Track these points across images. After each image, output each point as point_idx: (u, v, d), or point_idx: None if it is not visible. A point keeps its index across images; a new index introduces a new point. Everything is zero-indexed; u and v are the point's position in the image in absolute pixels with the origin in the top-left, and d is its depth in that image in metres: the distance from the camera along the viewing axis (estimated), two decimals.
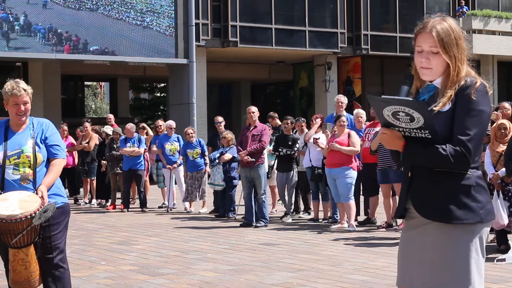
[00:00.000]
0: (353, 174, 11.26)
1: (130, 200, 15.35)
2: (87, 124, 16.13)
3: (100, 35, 22.64)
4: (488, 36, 28.99)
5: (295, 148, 12.68)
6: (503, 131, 8.96)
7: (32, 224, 4.60)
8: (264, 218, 11.90)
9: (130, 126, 15.12)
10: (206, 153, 14.27)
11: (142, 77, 31.56)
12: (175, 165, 14.74)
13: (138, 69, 28.24)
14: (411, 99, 3.20)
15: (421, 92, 3.39)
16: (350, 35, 27.51)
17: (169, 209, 14.72)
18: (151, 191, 16.99)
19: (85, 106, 43.59)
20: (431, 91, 3.35)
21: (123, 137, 14.98)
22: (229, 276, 7.47)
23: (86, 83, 39.66)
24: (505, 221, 8.38)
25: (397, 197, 10.98)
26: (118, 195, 15.39)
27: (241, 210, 13.08)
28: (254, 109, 12.46)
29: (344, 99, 12.97)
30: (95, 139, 16.07)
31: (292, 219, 12.71)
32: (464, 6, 29.34)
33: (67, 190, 14.57)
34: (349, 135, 11.31)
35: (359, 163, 11.61)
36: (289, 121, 12.97)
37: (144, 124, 16.50)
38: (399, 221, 10.96)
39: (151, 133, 15.93)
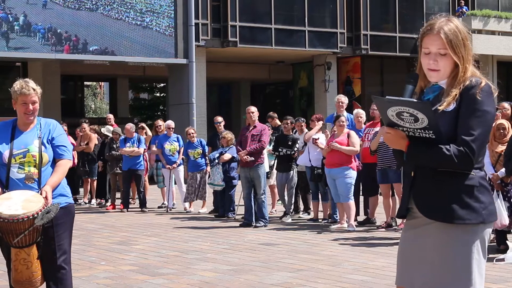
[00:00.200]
0: (352, 174, 11.26)
1: (130, 200, 15.35)
2: (85, 125, 16.09)
3: (99, 35, 22.64)
4: (487, 36, 29.00)
5: (295, 148, 12.68)
6: (502, 131, 8.95)
7: (34, 224, 4.58)
8: (264, 218, 11.90)
9: (130, 126, 15.12)
10: (207, 153, 14.27)
11: (142, 77, 31.56)
12: (174, 165, 14.74)
13: (138, 69, 28.25)
14: (415, 100, 3.19)
15: (426, 91, 3.39)
16: (350, 35, 27.51)
17: (168, 209, 14.73)
18: (151, 191, 16.99)
19: (85, 106, 43.60)
20: (436, 91, 3.35)
21: (122, 137, 14.98)
22: (228, 276, 7.47)
23: (85, 83, 39.65)
24: (507, 221, 8.38)
25: (396, 197, 10.99)
26: (118, 195, 15.39)
27: (240, 210, 13.09)
28: (253, 109, 12.47)
29: (344, 99, 12.98)
30: (94, 140, 16.06)
31: (292, 219, 12.71)
32: (464, 6, 29.35)
33: None
34: (348, 135, 11.32)
35: (359, 163, 11.62)
36: (289, 121, 12.98)
37: (143, 124, 16.50)
38: (399, 221, 10.97)
39: (149, 133, 15.93)
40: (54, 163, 4.97)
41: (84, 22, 22.36)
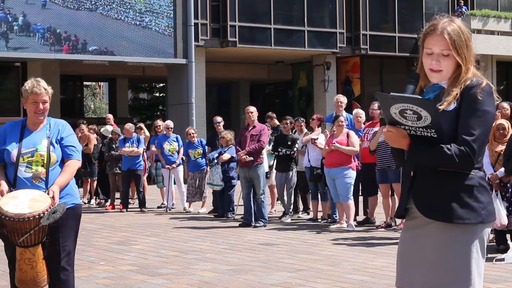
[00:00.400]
0: (352, 174, 11.26)
1: (129, 200, 15.34)
2: (83, 126, 16.03)
3: (99, 35, 22.64)
4: (487, 36, 29.00)
5: (294, 148, 12.68)
6: (501, 131, 8.97)
7: (40, 224, 4.57)
8: (263, 218, 11.90)
9: (129, 126, 15.12)
10: (207, 153, 14.27)
11: (141, 77, 31.56)
12: (174, 165, 14.74)
13: (137, 69, 28.24)
14: (420, 97, 3.18)
15: (426, 91, 3.38)
16: (349, 35, 27.51)
17: (168, 209, 14.72)
18: (150, 191, 16.99)
19: (84, 106, 43.59)
20: (436, 90, 3.34)
21: (122, 137, 14.98)
22: (228, 276, 7.47)
23: (85, 83, 39.62)
24: (506, 221, 8.39)
25: (396, 197, 10.99)
26: (117, 195, 15.39)
27: (240, 210, 13.09)
28: (252, 109, 12.47)
29: (343, 99, 12.97)
30: (93, 140, 16.03)
31: (291, 219, 12.71)
32: (463, 6, 29.35)
33: None
34: (348, 135, 11.31)
35: (358, 163, 11.62)
36: (288, 121, 12.98)
37: (141, 124, 16.48)
38: (398, 221, 10.97)
39: (147, 133, 15.90)
40: (62, 163, 4.97)
41: (84, 22, 22.36)
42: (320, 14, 27.00)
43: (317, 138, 12.05)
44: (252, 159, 11.88)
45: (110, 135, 15.48)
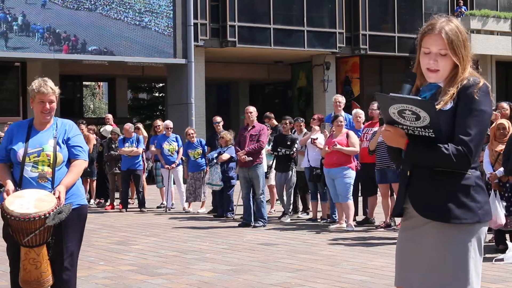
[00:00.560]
0: (351, 174, 11.26)
1: (129, 200, 15.34)
2: (83, 126, 16.01)
3: (98, 35, 22.63)
4: (486, 36, 29.00)
5: (294, 148, 12.68)
6: (502, 130, 8.99)
7: (45, 224, 4.55)
8: (263, 218, 11.90)
9: (129, 126, 15.12)
10: (206, 153, 14.27)
11: (141, 77, 31.52)
12: (173, 165, 14.74)
13: (137, 69, 28.22)
14: (419, 98, 3.19)
15: (422, 90, 3.38)
16: (349, 35, 27.50)
17: (167, 209, 14.72)
18: (150, 191, 16.99)
19: (84, 106, 43.56)
20: (433, 89, 3.34)
21: (121, 137, 14.98)
22: (227, 276, 7.48)
23: (84, 83, 39.59)
24: (503, 221, 8.39)
25: (395, 197, 10.98)
26: (117, 195, 15.39)
27: (239, 210, 13.09)
28: (252, 109, 12.47)
29: (342, 99, 12.96)
30: (92, 141, 16.02)
31: (291, 219, 12.71)
32: (463, 6, 29.34)
33: None
34: (347, 135, 11.32)
35: (357, 163, 11.62)
36: (287, 121, 12.98)
37: (139, 125, 16.46)
38: (398, 220, 10.97)
39: (145, 133, 15.87)
40: (69, 163, 4.97)
41: (83, 22, 22.35)
42: (320, 14, 26.99)
43: (317, 138, 12.05)
44: (252, 159, 11.89)
45: (109, 135, 15.47)
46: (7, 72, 23.59)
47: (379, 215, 11.82)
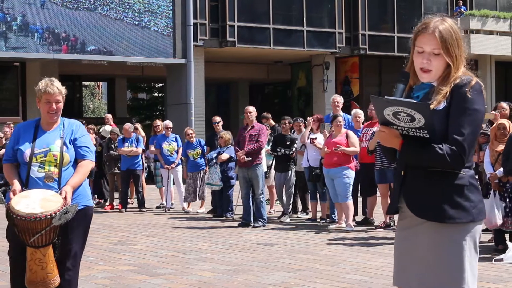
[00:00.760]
0: (351, 174, 11.26)
1: (128, 200, 15.33)
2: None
3: (98, 35, 22.63)
4: (485, 36, 29.01)
5: (293, 148, 12.68)
6: (502, 130, 9.01)
7: (51, 224, 4.54)
8: (262, 218, 11.90)
9: (128, 126, 15.11)
10: (206, 153, 14.26)
11: (140, 77, 31.53)
12: (172, 165, 14.73)
13: (136, 69, 28.23)
14: (414, 101, 3.20)
15: (415, 89, 3.40)
16: (348, 35, 27.51)
17: (167, 209, 14.72)
18: (149, 191, 16.99)
19: (83, 106, 43.54)
20: (425, 88, 3.36)
21: (121, 137, 14.97)
22: (227, 276, 7.47)
23: (84, 83, 39.60)
24: (498, 221, 8.40)
25: None
26: (116, 195, 15.38)
27: (239, 210, 13.09)
28: (251, 109, 12.47)
29: (340, 99, 12.93)
30: (92, 141, 15.99)
31: (290, 219, 12.71)
32: (462, 6, 29.36)
33: None
34: (347, 135, 11.32)
35: (357, 163, 11.62)
36: (287, 121, 12.98)
37: (137, 125, 16.44)
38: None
39: (143, 134, 15.87)
40: (76, 163, 4.96)
41: (82, 22, 22.35)
42: (319, 14, 27.00)
43: (316, 138, 12.06)
44: (251, 159, 11.88)
45: (109, 135, 15.47)
46: (6, 72, 23.59)
47: (379, 215, 11.82)
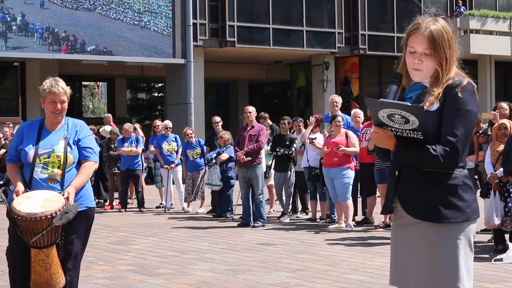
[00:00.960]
0: (350, 174, 11.26)
1: (128, 200, 15.33)
2: None
3: (97, 35, 22.63)
4: (485, 36, 29.00)
5: (293, 148, 12.68)
6: (503, 130, 9.02)
7: (52, 224, 4.54)
8: (262, 218, 11.90)
9: (128, 126, 15.11)
10: (205, 153, 14.26)
11: (140, 77, 31.55)
12: (172, 165, 14.73)
13: (136, 69, 28.24)
14: (409, 104, 3.22)
15: (408, 89, 3.42)
16: (348, 35, 27.51)
17: (166, 209, 14.72)
18: (149, 191, 16.99)
19: (83, 106, 43.56)
20: (418, 89, 3.38)
21: (120, 137, 14.97)
22: (226, 276, 7.47)
23: (83, 83, 39.62)
24: (497, 221, 8.40)
25: None
26: (116, 195, 15.38)
27: (238, 210, 13.09)
28: (251, 109, 12.46)
29: (338, 99, 12.93)
30: None
31: (290, 219, 12.71)
32: (462, 6, 29.36)
33: None
34: (346, 135, 11.32)
35: (356, 163, 11.62)
36: (286, 121, 12.98)
37: (136, 126, 16.43)
38: None
39: (142, 134, 15.88)
40: (79, 164, 4.94)
41: (82, 22, 22.36)
42: (319, 14, 27.00)
43: (315, 138, 12.06)
44: (251, 159, 11.88)
45: (108, 135, 15.46)
46: (6, 72, 23.59)
47: (378, 215, 11.81)
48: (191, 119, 23.63)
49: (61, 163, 4.83)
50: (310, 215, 12.84)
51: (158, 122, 15.80)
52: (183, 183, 14.79)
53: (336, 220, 11.65)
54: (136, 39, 23.16)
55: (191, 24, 23.71)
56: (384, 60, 28.50)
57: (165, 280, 7.30)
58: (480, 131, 10.76)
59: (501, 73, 31.03)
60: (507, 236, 8.94)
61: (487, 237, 9.54)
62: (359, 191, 12.33)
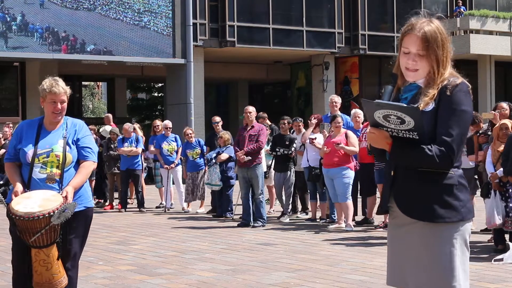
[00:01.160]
0: (350, 174, 11.26)
1: (128, 200, 15.33)
2: None
3: (97, 35, 22.63)
4: (485, 36, 29.00)
5: (292, 148, 12.68)
6: (504, 130, 9.03)
7: (50, 223, 4.53)
8: (262, 218, 11.90)
9: (128, 126, 15.11)
10: (205, 153, 14.25)
11: (140, 77, 31.54)
12: (172, 165, 14.73)
13: (136, 69, 28.24)
14: (405, 105, 3.25)
15: (403, 90, 3.44)
16: (348, 35, 27.51)
17: (166, 209, 14.72)
18: (149, 191, 16.98)
19: (83, 106, 43.56)
20: (413, 89, 3.40)
21: (120, 137, 14.97)
22: (226, 276, 7.47)
23: (83, 83, 39.62)
24: (498, 221, 8.40)
25: None
26: (116, 195, 15.38)
27: (238, 210, 13.08)
28: (251, 109, 12.46)
29: (338, 99, 12.93)
30: None
31: (290, 219, 12.71)
32: (462, 6, 29.35)
33: None
34: (346, 135, 11.32)
35: (356, 163, 11.62)
36: (286, 121, 12.98)
37: (135, 126, 16.42)
38: None
39: (141, 134, 15.87)
40: (77, 164, 4.94)
41: (82, 22, 22.36)
42: (319, 14, 27.00)
43: (315, 138, 12.05)
44: (251, 159, 11.88)
45: (108, 135, 15.46)
46: (6, 72, 23.59)
47: (378, 215, 11.80)
48: (191, 119, 23.63)
49: (60, 162, 4.83)
50: (310, 215, 12.84)
51: (158, 122, 15.79)
52: (183, 183, 14.79)
53: (336, 220, 11.65)
54: (136, 39, 23.16)
55: (191, 24, 23.71)
56: (384, 60, 28.47)
57: (165, 280, 7.30)
58: (480, 131, 10.76)
59: (501, 73, 31.03)
60: (507, 236, 8.95)
61: (487, 237, 9.54)
62: (359, 191, 12.34)
